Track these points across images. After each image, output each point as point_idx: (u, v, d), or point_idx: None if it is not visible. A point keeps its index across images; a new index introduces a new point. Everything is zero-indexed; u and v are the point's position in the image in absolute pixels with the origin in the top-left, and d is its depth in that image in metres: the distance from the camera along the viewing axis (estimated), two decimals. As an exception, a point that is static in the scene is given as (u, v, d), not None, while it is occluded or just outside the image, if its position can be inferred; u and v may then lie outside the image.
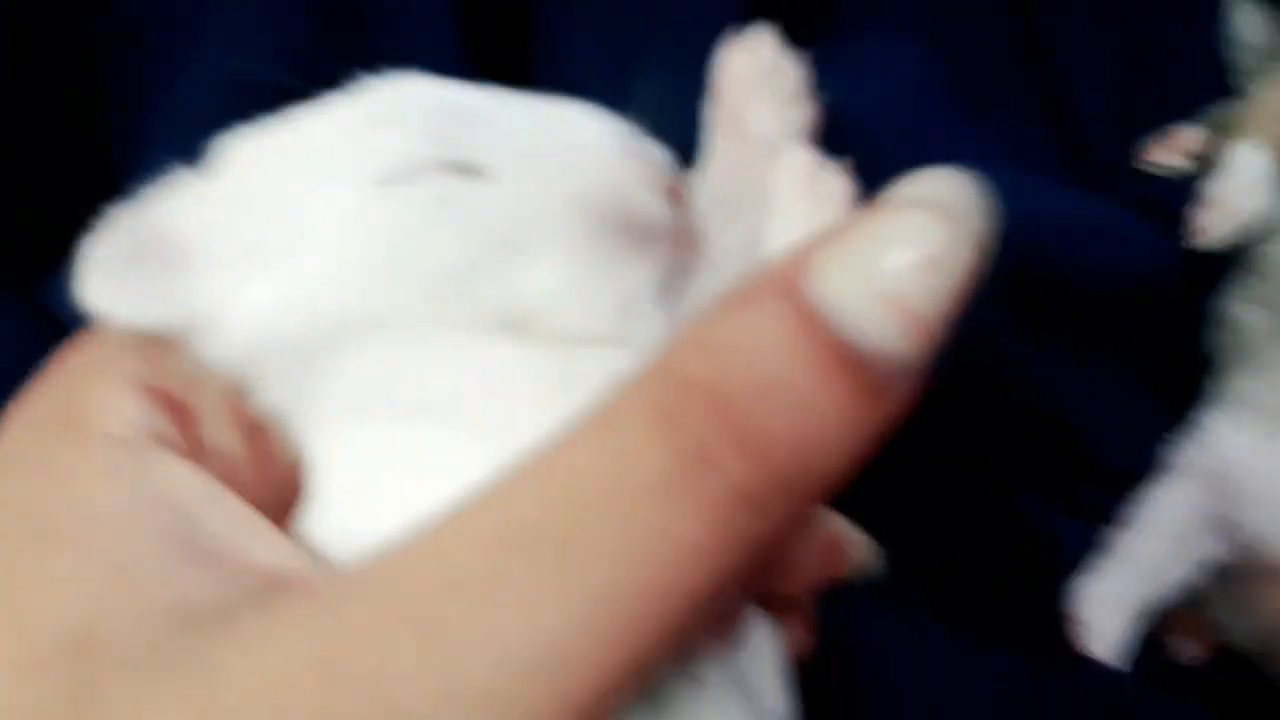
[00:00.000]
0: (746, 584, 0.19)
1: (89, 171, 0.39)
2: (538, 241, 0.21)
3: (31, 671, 0.17)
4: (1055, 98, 0.56)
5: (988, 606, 0.40)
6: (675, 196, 0.23)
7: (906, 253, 0.16)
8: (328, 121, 0.22)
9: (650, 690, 0.20)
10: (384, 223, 0.21)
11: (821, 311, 0.16)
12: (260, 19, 0.42)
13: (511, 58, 0.45)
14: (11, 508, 0.20)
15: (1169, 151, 0.55)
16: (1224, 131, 0.52)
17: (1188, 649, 0.47)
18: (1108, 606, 0.44)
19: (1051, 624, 0.44)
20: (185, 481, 0.20)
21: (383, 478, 0.21)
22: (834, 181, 0.24)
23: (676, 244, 0.23)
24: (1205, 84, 0.57)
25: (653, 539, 0.16)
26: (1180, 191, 0.50)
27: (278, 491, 0.22)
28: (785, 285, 0.17)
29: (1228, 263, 0.51)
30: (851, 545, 0.26)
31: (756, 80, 0.25)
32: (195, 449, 0.21)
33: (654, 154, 0.24)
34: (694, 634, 0.20)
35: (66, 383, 0.22)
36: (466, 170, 0.21)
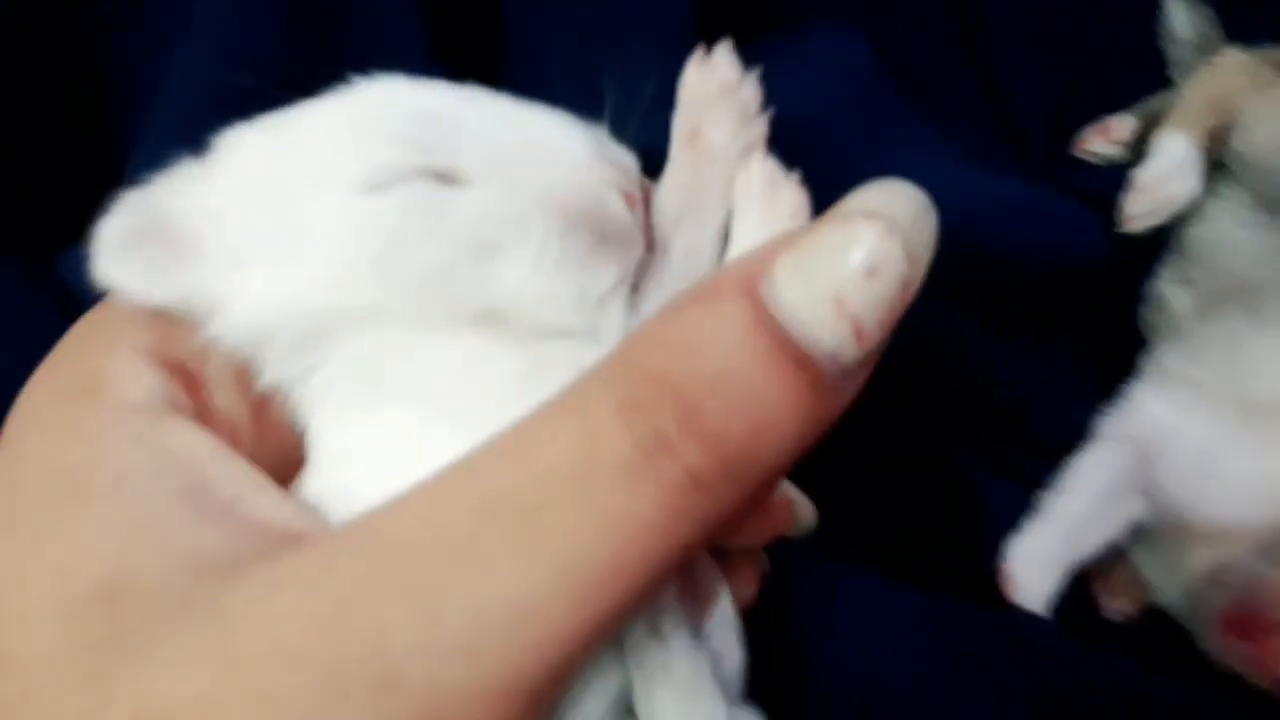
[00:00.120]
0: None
1: (91, 150, 0.39)
2: (512, 244, 0.22)
3: (66, 617, 0.19)
4: (993, 90, 0.57)
5: (927, 563, 0.42)
6: (639, 202, 0.24)
7: (850, 261, 0.18)
8: (321, 126, 0.23)
9: (620, 648, 0.22)
10: (371, 228, 0.22)
11: (773, 312, 0.18)
12: (232, 13, 0.42)
13: (479, 52, 0.46)
14: (41, 467, 0.21)
15: (1103, 140, 0.56)
16: (1155, 121, 0.54)
17: (1116, 605, 0.48)
18: (1036, 562, 0.45)
19: (986, 579, 0.45)
20: (197, 444, 0.21)
21: (369, 451, 0.22)
22: (789, 191, 0.25)
23: (639, 246, 0.24)
24: (1141, 76, 0.58)
25: (614, 517, 0.17)
26: (1114, 179, 0.51)
27: (278, 455, 0.23)
28: (745, 286, 0.18)
29: (1159, 245, 0.53)
30: (796, 506, 0.28)
31: (717, 96, 0.26)
32: (204, 415, 0.22)
33: (622, 159, 0.24)
34: (653, 599, 0.22)
35: (86, 352, 0.23)
36: (446, 177, 0.22)
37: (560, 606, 0.17)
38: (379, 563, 0.18)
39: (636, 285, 0.24)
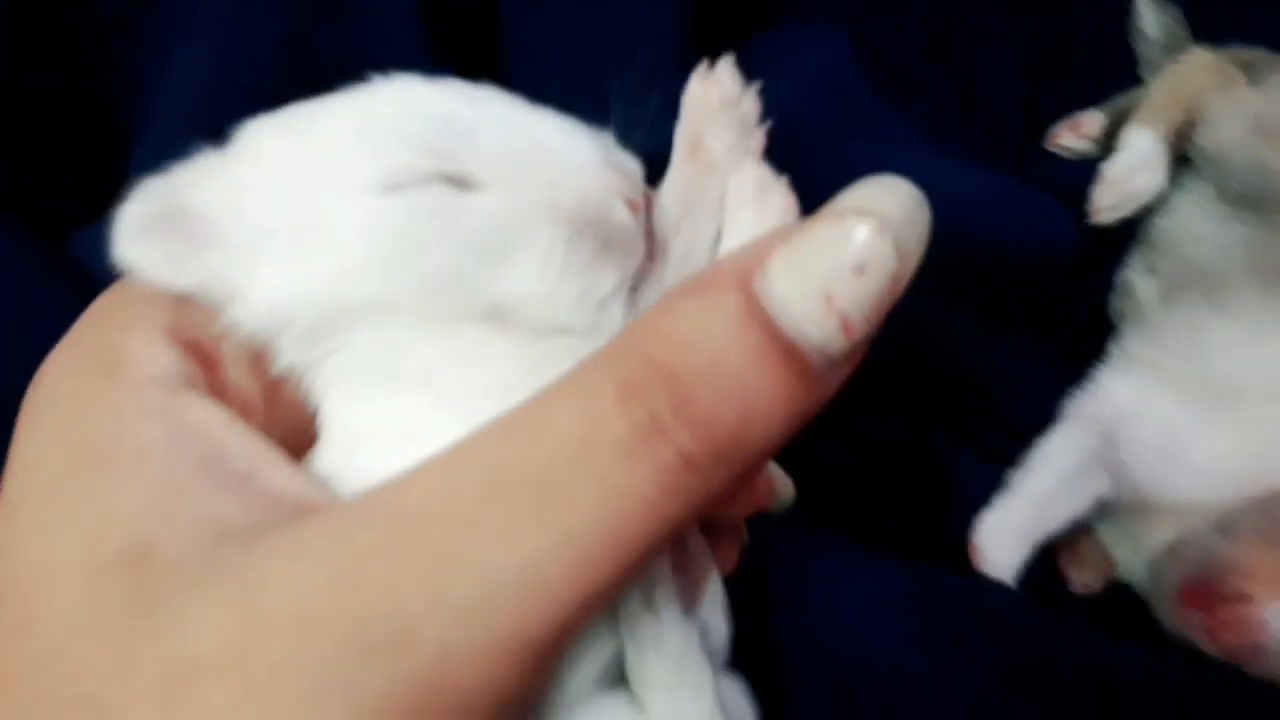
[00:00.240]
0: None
1: (94, 143, 0.39)
2: (519, 247, 0.23)
3: (94, 579, 0.19)
4: (969, 87, 0.58)
5: (902, 537, 0.42)
6: (641, 209, 0.24)
7: (840, 258, 0.18)
8: (340, 125, 0.24)
9: (614, 619, 0.23)
10: (384, 229, 0.22)
11: (765, 305, 0.18)
12: (232, 13, 0.41)
13: (478, 49, 0.46)
14: (64, 439, 0.21)
15: (1074, 136, 0.57)
16: (1124, 117, 0.54)
17: (1081, 578, 0.49)
18: (1004, 536, 0.46)
19: (959, 552, 0.46)
20: (213, 419, 0.22)
21: (376, 434, 0.23)
22: (779, 194, 0.26)
23: (640, 251, 0.24)
24: (1112, 74, 0.59)
25: (612, 494, 0.18)
26: (1085, 172, 0.52)
27: (289, 431, 0.24)
28: (739, 279, 0.18)
29: (1127, 236, 0.53)
30: (776, 482, 0.29)
31: (719, 109, 0.26)
32: (219, 391, 0.23)
33: (627, 165, 0.25)
34: (646, 569, 0.22)
35: (105, 330, 0.23)
36: (458, 182, 0.23)
37: (562, 573, 0.18)
38: (393, 531, 0.18)
39: (636, 286, 0.25)
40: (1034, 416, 0.50)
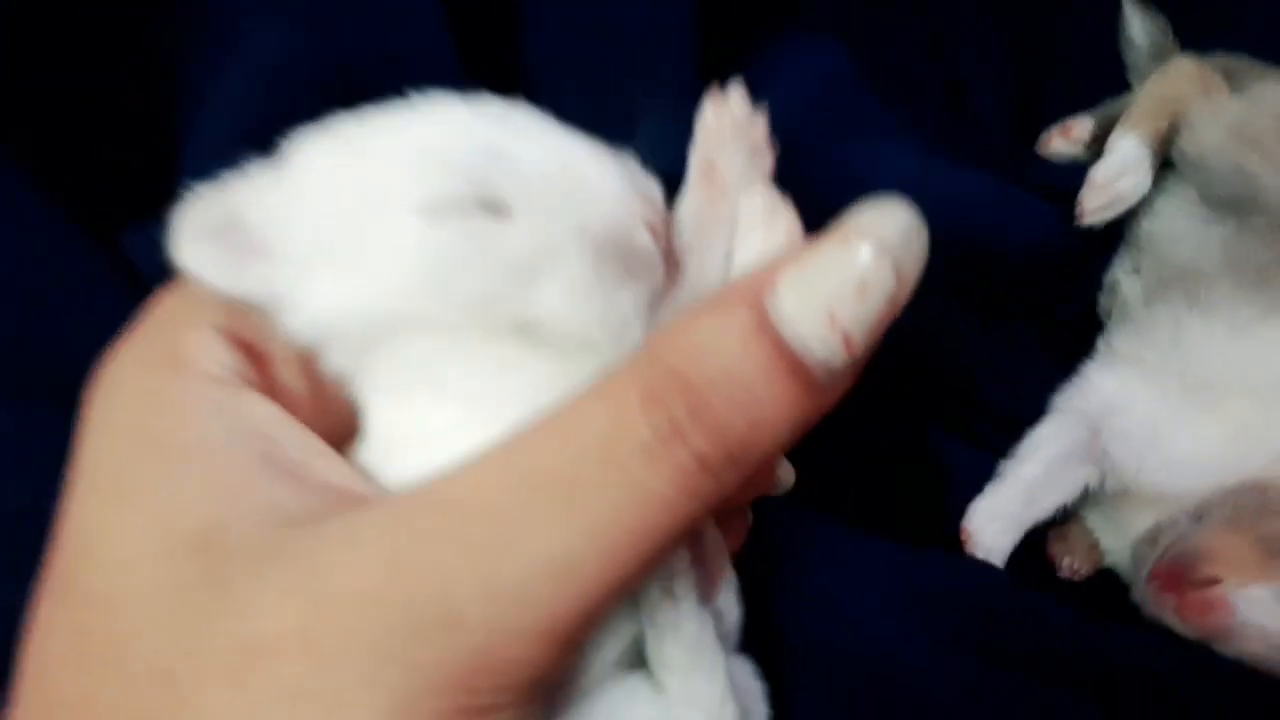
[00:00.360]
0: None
1: (146, 136, 0.40)
2: (549, 272, 0.24)
3: (165, 562, 0.20)
4: (961, 93, 0.58)
5: (898, 523, 0.43)
6: (661, 231, 0.25)
7: (844, 279, 0.19)
8: (387, 147, 0.24)
9: (635, 605, 0.24)
10: (427, 250, 0.23)
11: (774, 321, 0.19)
12: (266, 22, 0.41)
13: (496, 57, 0.45)
14: (131, 431, 0.22)
15: (1064, 140, 0.58)
16: (1111, 123, 0.55)
17: (1069, 563, 0.50)
18: (995, 521, 0.47)
19: (952, 537, 0.47)
20: (267, 414, 0.23)
21: (412, 437, 0.24)
22: (785, 217, 0.27)
23: (660, 273, 0.25)
24: (1101, 81, 0.60)
25: (636, 492, 0.19)
26: (1074, 176, 0.52)
27: (334, 428, 0.25)
28: (751, 298, 0.20)
29: (1115, 237, 0.54)
30: (779, 469, 0.30)
31: (731, 134, 0.27)
32: (270, 389, 0.24)
33: (649, 190, 0.26)
34: (666, 561, 0.23)
35: (167, 329, 0.24)
36: (494, 208, 0.24)
37: (592, 564, 0.19)
38: (442, 521, 0.19)
39: (656, 304, 0.25)
40: (1025, 409, 0.51)
